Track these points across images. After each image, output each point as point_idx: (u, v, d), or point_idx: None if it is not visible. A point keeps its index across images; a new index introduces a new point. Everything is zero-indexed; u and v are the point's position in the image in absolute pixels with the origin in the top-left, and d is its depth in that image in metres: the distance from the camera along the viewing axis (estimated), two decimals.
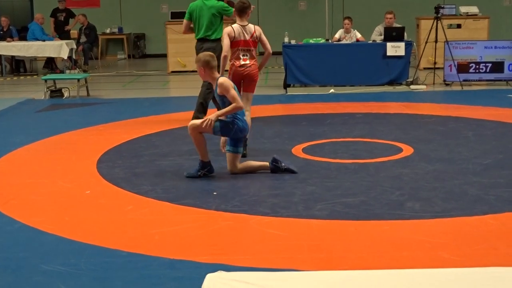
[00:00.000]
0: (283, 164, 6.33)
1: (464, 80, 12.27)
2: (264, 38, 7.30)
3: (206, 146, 6.26)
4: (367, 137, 7.95)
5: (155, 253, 4.41)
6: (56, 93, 11.98)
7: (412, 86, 12.21)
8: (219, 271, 3.64)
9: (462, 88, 12.01)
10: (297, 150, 7.34)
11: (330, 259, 4.29)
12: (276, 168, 6.33)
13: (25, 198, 5.78)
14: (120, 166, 6.79)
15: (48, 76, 12.68)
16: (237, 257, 4.33)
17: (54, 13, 17.38)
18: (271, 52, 7.32)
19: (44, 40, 15.75)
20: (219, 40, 8.57)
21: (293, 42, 12.58)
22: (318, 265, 4.16)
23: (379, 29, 13.49)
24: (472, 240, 4.54)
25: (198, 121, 6.22)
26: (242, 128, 6.28)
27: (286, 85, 12.43)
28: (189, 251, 4.45)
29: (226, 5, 8.91)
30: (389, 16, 13.32)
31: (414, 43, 13.34)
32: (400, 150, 7.23)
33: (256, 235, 4.75)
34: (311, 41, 12.77)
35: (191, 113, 8.59)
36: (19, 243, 4.69)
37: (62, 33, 17.13)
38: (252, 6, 7.40)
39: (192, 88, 12.38)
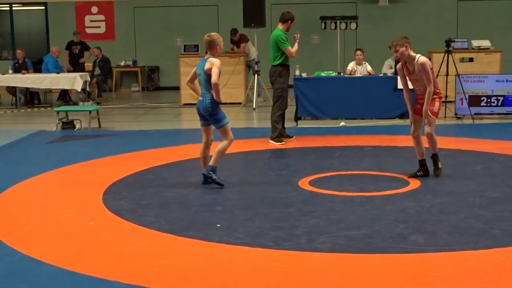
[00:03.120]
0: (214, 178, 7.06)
1: (476, 114, 12.23)
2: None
3: None
4: (375, 170, 7.91)
5: (153, 285, 4.38)
6: (67, 124, 12.07)
7: None
8: None
9: (474, 122, 11.96)
10: (304, 182, 7.31)
11: None
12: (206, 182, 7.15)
13: (28, 229, 5.79)
14: (125, 198, 6.79)
15: (60, 108, 12.78)
16: None
17: (69, 45, 17.61)
18: None
19: (57, 73, 15.93)
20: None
21: (304, 75, 12.60)
22: None
23: (389, 62, 13.52)
24: (475, 275, 4.48)
25: None
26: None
27: (296, 118, 12.42)
28: (187, 283, 4.43)
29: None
30: None
31: None
32: (407, 183, 7.18)
33: (256, 268, 4.71)
34: (322, 74, 12.80)
35: (200, 145, 8.59)
36: (18, 274, 4.68)
37: (76, 66, 17.35)
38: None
39: None
